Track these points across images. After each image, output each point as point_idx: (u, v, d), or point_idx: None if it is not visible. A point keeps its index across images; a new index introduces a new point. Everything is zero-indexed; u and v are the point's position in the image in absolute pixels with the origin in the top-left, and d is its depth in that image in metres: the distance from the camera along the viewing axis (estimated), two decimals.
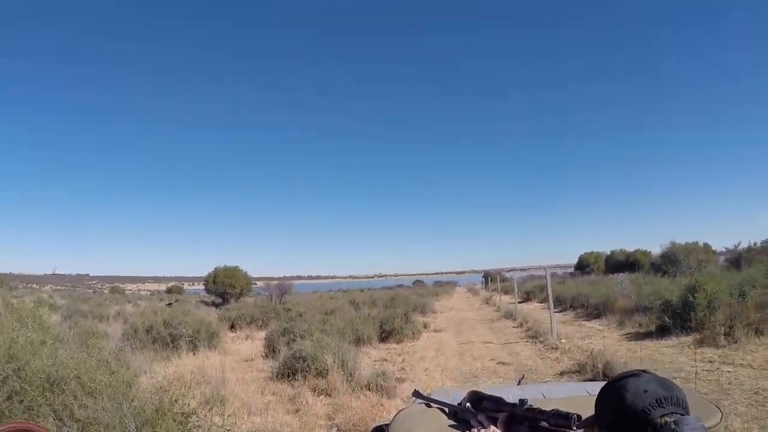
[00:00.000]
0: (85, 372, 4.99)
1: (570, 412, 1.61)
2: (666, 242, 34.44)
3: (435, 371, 12.47)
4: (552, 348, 14.10)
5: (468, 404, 1.98)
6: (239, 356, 15.54)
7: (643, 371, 1.51)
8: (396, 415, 2.04)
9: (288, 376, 11.26)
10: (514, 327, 20.65)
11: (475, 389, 2.05)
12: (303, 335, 13.59)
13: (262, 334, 20.02)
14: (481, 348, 15.76)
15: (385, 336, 17.91)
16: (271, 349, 14.49)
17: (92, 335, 9.27)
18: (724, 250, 38.10)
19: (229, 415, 6.02)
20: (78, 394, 4.79)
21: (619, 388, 1.48)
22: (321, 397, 9.97)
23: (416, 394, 2.33)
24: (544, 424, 1.68)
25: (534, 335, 16.83)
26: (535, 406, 1.74)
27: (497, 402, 1.87)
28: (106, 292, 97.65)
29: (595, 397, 1.49)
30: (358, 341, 15.56)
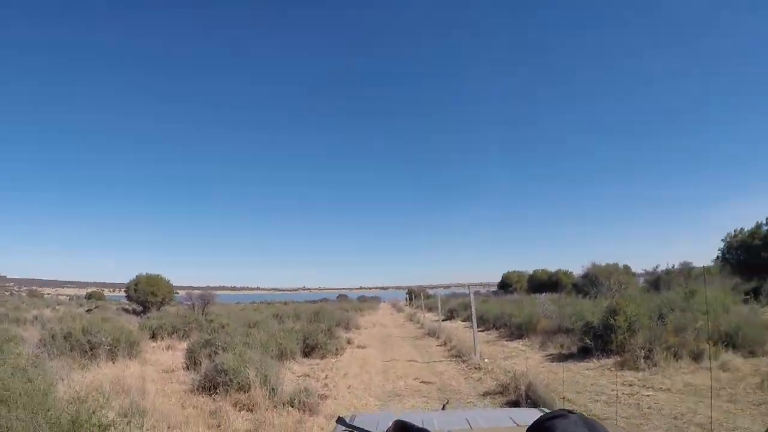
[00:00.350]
0: None
1: None
2: (587, 263, 35.47)
3: (359, 388, 12.49)
4: (475, 368, 14.30)
5: None
6: (160, 367, 15.21)
7: (570, 412, 1.57)
8: None
9: (209, 390, 11.11)
10: (437, 345, 20.87)
11: (400, 419, 2.08)
12: (225, 348, 13.43)
13: (184, 344, 19.65)
14: (405, 366, 15.87)
15: (308, 351, 17.83)
16: (192, 361, 14.24)
17: (8, 340, 8.90)
18: (643, 272, 39.26)
19: (147, 429, 5.90)
20: None
21: (547, 429, 1.52)
22: (243, 412, 9.86)
23: (340, 421, 2.37)
24: None
25: (457, 354, 17.04)
26: None
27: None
28: (23, 295, 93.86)
29: (520, 426, 1.53)
30: (282, 356, 15.47)
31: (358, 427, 2.20)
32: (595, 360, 13.65)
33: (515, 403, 9.84)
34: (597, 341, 14.29)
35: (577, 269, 43.51)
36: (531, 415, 3.03)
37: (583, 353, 14.50)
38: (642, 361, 12.43)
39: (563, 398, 9.67)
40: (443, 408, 3.53)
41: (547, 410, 3.37)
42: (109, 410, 6.60)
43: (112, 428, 5.51)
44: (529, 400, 9.49)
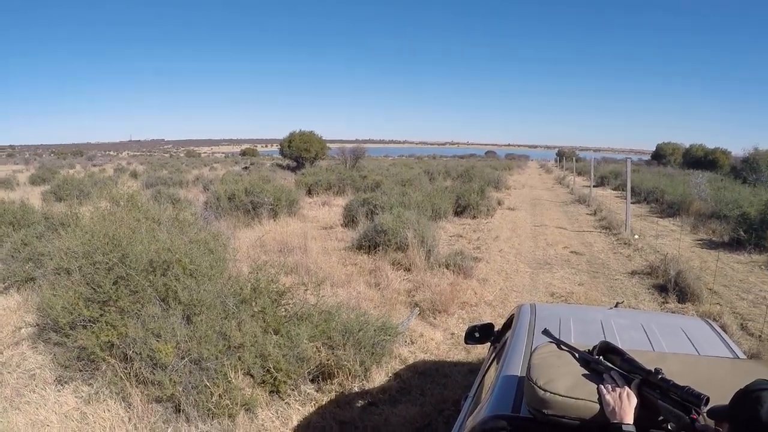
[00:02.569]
0: (185, 254, 5.13)
1: (702, 393, 1.59)
2: (749, 147, 32.67)
3: (509, 253, 12.49)
4: (625, 243, 13.82)
5: (600, 356, 1.94)
6: (318, 223, 15.87)
7: None
8: (531, 358, 1.99)
9: (368, 248, 11.48)
10: (587, 214, 20.31)
11: (607, 341, 1.99)
12: (383, 207, 13.72)
13: (339, 200, 20.37)
14: (555, 233, 15.64)
15: (460, 211, 17.96)
16: (350, 219, 14.72)
17: (179, 206, 9.46)
18: None
19: (322, 295, 6.16)
20: (180, 277, 4.96)
21: (755, 401, 1.46)
22: (400, 271, 10.12)
23: (546, 332, 2.29)
24: (675, 397, 1.65)
25: (607, 226, 16.52)
26: (669, 378, 1.69)
27: (631, 363, 1.84)
28: (181, 156, 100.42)
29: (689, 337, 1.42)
30: (435, 216, 15.63)
31: (565, 342, 2.10)
32: (746, 254, 12.61)
33: (663, 288, 9.49)
34: (751, 234, 13.17)
35: (736, 150, 40.15)
36: (698, 327, 2.97)
37: (735, 244, 13.44)
38: None
39: (711, 290, 9.18)
40: (615, 306, 3.41)
41: (709, 320, 3.21)
42: (283, 277, 6.94)
43: (288, 293, 5.77)
44: (677, 287, 9.10)
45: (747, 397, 1.49)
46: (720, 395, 1.61)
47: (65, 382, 5.16)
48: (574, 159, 45.61)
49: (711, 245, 13.91)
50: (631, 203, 17.04)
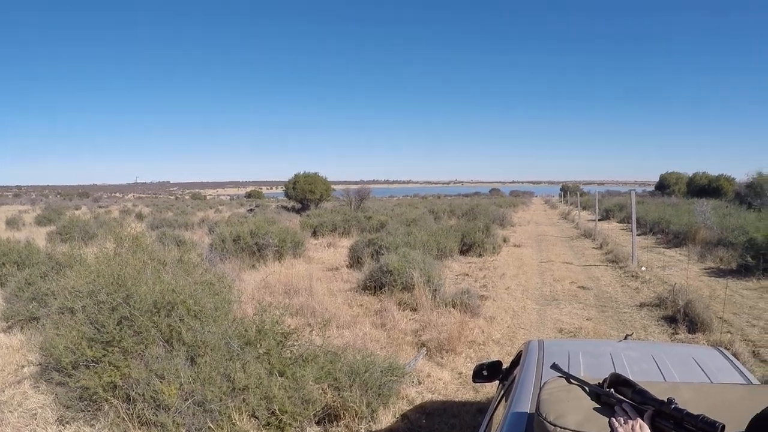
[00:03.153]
0: (189, 296, 5.10)
1: (717, 421, 1.54)
2: (752, 171, 32.76)
3: (516, 291, 12.40)
4: (632, 276, 13.77)
5: (611, 389, 1.89)
6: (323, 264, 15.86)
7: None
8: (541, 394, 1.95)
9: (374, 289, 11.42)
10: (593, 248, 20.26)
11: (617, 373, 1.94)
12: (388, 248, 13.70)
13: (345, 241, 20.36)
14: (561, 268, 15.57)
15: (465, 249, 17.91)
16: (355, 260, 14.70)
17: (184, 248, 9.51)
18: None
19: (328, 336, 6.10)
20: (184, 318, 4.92)
21: None
22: (406, 311, 10.05)
23: (555, 367, 2.24)
24: (690, 427, 1.60)
25: (614, 259, 16.48)
26: (682, 407, 1.65)
27: (643, 394, 1.79)
28: (187, 198, 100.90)
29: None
30: (441, 254, 15.60)
31: (575, 376, 2.05)
32: (755, 280, 12.53)
33: (672, 319, 9.42)
34: (759, 260, 13.08)
35: (740, 176, 40.40)
36: (710, 355, 2.92)
37: (744, 271, 13.36)
38: None
39: (721, 318, 9.11)
40: (625, 339, 3.37)
41: (725, 351, 3.17)
42: (288, 317, 6.90)
43: (294, 335, 5.72)
44: (686, 317, 9.04)
45: (764, 421, 1.45)
46: (736, 422, 1.58)
47: (67, 423, 5.10)
48: (578, 193, 45.76)
49: (719, 273, 13.83)
50: (637, 235, 16.99)
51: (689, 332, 8.71)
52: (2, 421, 5.39)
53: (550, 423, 1.75)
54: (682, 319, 9.07)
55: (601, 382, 1.96)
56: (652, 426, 1.70)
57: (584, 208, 40.12)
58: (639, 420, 1.70)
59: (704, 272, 14.10)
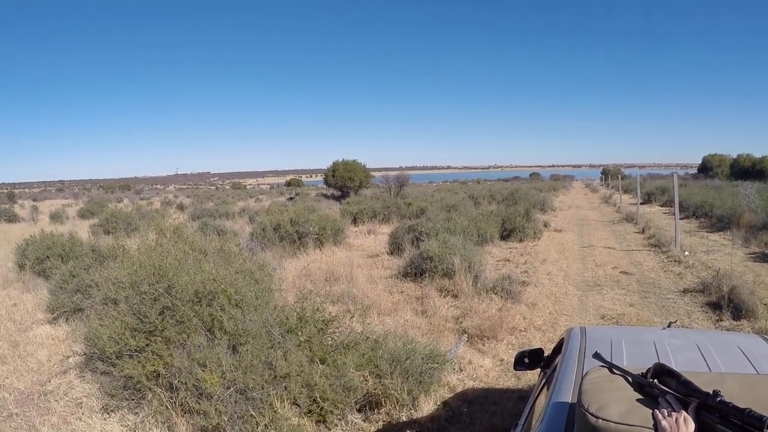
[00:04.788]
0: (230, 285, 5.14)
1: (764, 415, 1.47)
2: None
3: (558, 276, 12.24)
4: (675, 261, 13.44)
5: (654, 380, 1.84)
6: (363, 251, 15.88)
7: None
8: (582, 384, 1.90)
9: (414, 275, 11.39)
10: (635, 232, 19.87)
11: (661, 363, 1.88)
12: (429, 234, 13.65)
13: (385, 228, 20.35)
14: (603, 253, 15.32)
15: (506, 234, 17.74)
16: (396, 246, 14.68)
17: (225, 237, 9.61)
18: None
19: (368, 324, 6.10)
20: (226, 307, 4.96)
21: None
22: (447, 298, 9.99)
23: (597, 356, 2.19)
24: (736, 420, 1.54)
25: (656, 244, 16.13)
26: (728, 400, 1.59)
27: (687, 386, 1.73)
28: (227, 188, 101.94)
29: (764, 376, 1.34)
30: (482, 240, 15.48)
31: (617, 366, 2.00)
32: None
33: (716, 305, 9.18)
34: None
35: None
36: (755, 343, 2.84)
37: None
38: None
39: (766, 305, 8.85)
40: (668, 325, 3.28)
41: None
42: (329, 305, 6.92)
43: (334, 322, 5.73)
44: (731, 304, 8.81)
45: None
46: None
47: (111, 411, 5.20)
48: (619, 177, 44.91)
49: (764, 258, 13.45)
50: (680, 219, 16.60)
51: (734, 319, 8.50)
52: (49, 410, 5.52)
53: (591, 414, 1.70)
54: (726, 305, 8.85)
55: (644, 372, 1.91)
56: (696, 419, 1.65)
57: (625, 192, 39.40)
58: (683, 413, 1.64)
59: (749, 257, 13.74)
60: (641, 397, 1.81)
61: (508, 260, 14.35)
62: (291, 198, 46.14)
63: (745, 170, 46.20)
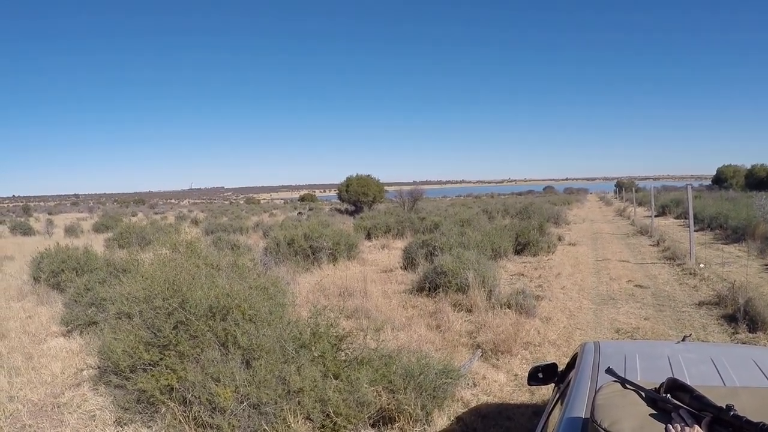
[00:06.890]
0: (244, 300, 5.15)
1: None
2: None
3: (572, 290, 12.17)
4: (690, 273, 13.34)
5: (668, 394, 1.83)
6: (377, 266, 15.88)
7: None
8: (595, 399, 1.90)
9: (428, 290, 11.37)
10: (650, 245, 19.74)
11: (674, 377, 1.89)
12: (442, 248, 13.63)
13: (399, 243, 20.34)
14: (618, 267, 15.23)
15: (520, 249, 17.68)
16: (409, 261, 14.67)
17: (238, 252, 9.67)
18: None
19: (382, 339, 6.09)
20: (239, 322, 4.97)
21: None
22: (461, 313, 9.96)
23: (610, 371, 2.19)
24: None
25: (671, 257, 16.02)
26: (741, 414, 1.59)
27: (700, 400, 1.73)
28: (241, 203, 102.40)
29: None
30: (495, 255, 15.45)
31: (630, 381, 2.00)
32: None
33: (732, 318, 9.09)
34: None
35: None
36: None
37: None
38: None
39: None
40: (683, 339, 3.27)
41: None
42: (343, 320, 6.92)
43: (348, 338, 5.73)
44: (747, 316, 8.72)
45: None
46: None
47: (125, 424, 5.21)
48: (633, 189, 44.64)
49: None
50: (695, 231, 16.47)
51: (750, 331, 8.41)
52: (62, 423, 5.55)
53: (604, 430, 1.70)
54: (742, 317, 8.76)
55: (657, 387, 1.91)
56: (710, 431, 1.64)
57: (640, 204, 39.20)
58: (696, 427, 1.64)
59: (764, 268, 13.61)
60: (654, 412, 1.81)
61: (522, 274, 14.30)
62: (300, 213, 46.25)
63: (760, 181, 45.88)
